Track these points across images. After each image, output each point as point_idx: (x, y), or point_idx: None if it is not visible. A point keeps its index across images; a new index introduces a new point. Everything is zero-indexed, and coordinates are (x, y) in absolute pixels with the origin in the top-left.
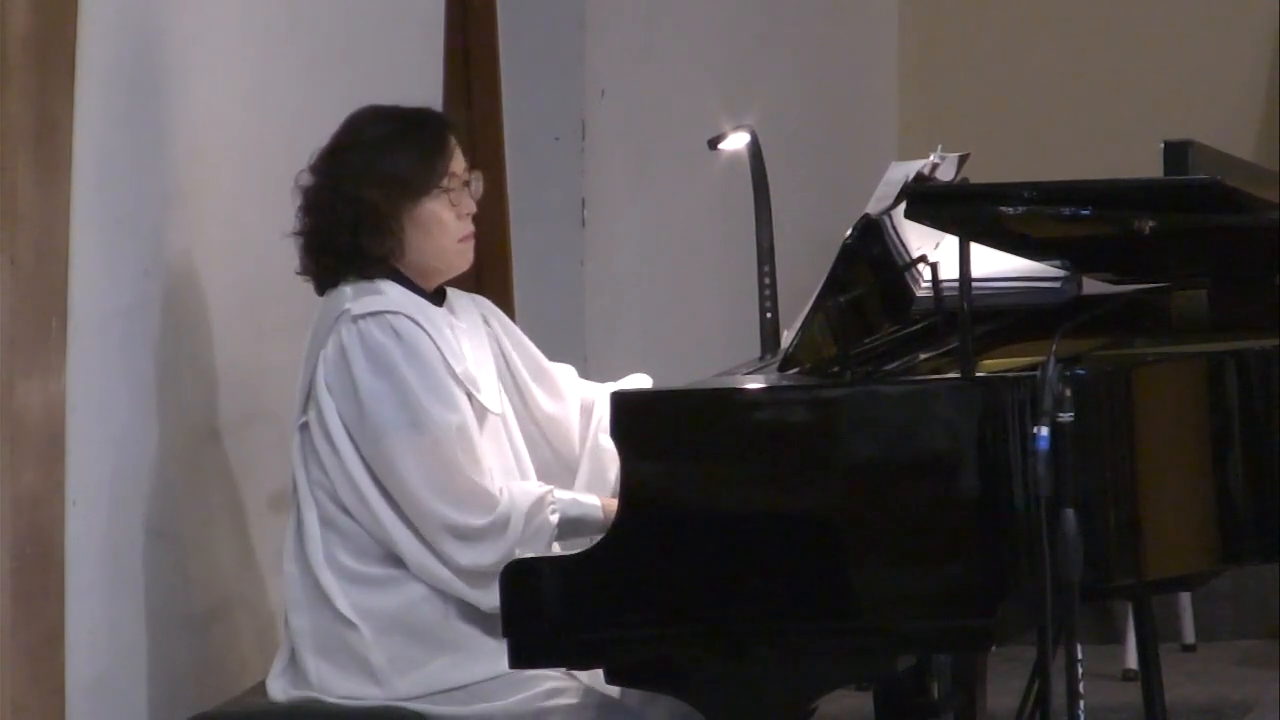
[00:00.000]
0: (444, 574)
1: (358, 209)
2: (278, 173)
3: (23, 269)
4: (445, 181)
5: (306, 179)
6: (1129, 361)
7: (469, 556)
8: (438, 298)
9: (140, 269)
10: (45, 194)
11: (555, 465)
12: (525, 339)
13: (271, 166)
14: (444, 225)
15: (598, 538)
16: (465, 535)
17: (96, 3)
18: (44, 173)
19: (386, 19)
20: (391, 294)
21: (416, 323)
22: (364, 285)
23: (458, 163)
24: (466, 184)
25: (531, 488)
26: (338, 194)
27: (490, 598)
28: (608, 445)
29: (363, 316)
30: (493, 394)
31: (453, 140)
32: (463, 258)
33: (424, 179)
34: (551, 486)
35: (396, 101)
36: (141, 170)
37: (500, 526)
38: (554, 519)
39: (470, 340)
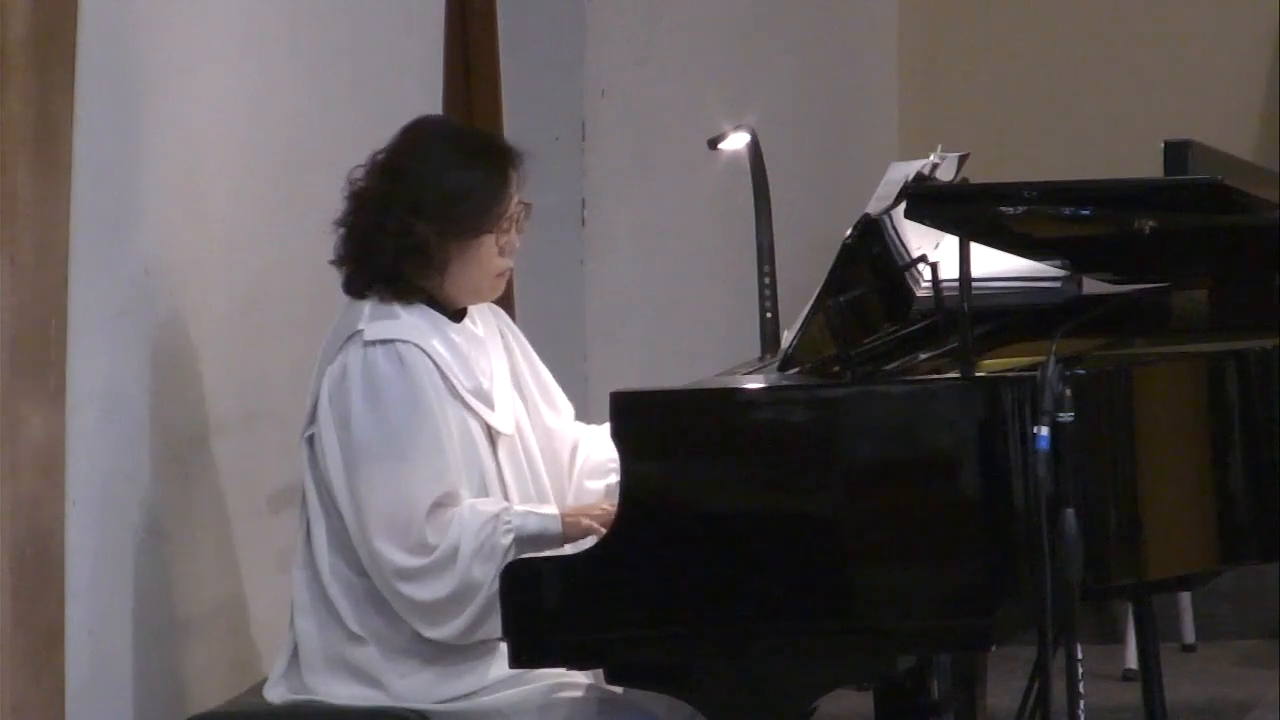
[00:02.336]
0: (407, 616)
1: (406, 239)
2: (278, 173)
3: (23, 269)
4: (499, 223)
5: (360, 178)
6: (1129, 361)
7: (424, 593)
8: (458, 313)
9: (140, 269)
10: (45, 194)
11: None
12: (535, 355)
13: (271, 167)
14: (486, 263)
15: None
16: (412, 576)
17: (96, 3)
18: (44, 173)
19: (386, 19)
20: (407, 319)
21: (425, 352)
22: (384, 308)
23: (514, 202)
24: (515, 219)
25: (486, 507)
26: (389, 215)
27: (443, 630)
28: (593, 487)
29: (372, 343)
30: (506, 414)
31: (514, 179)
32: (494, 291)
33: (479, 222)
34: (508, 504)
35: (396, 101)
36: (141, 170)
37: (447, 559)
38: (506, 540)
39: (488, 353)
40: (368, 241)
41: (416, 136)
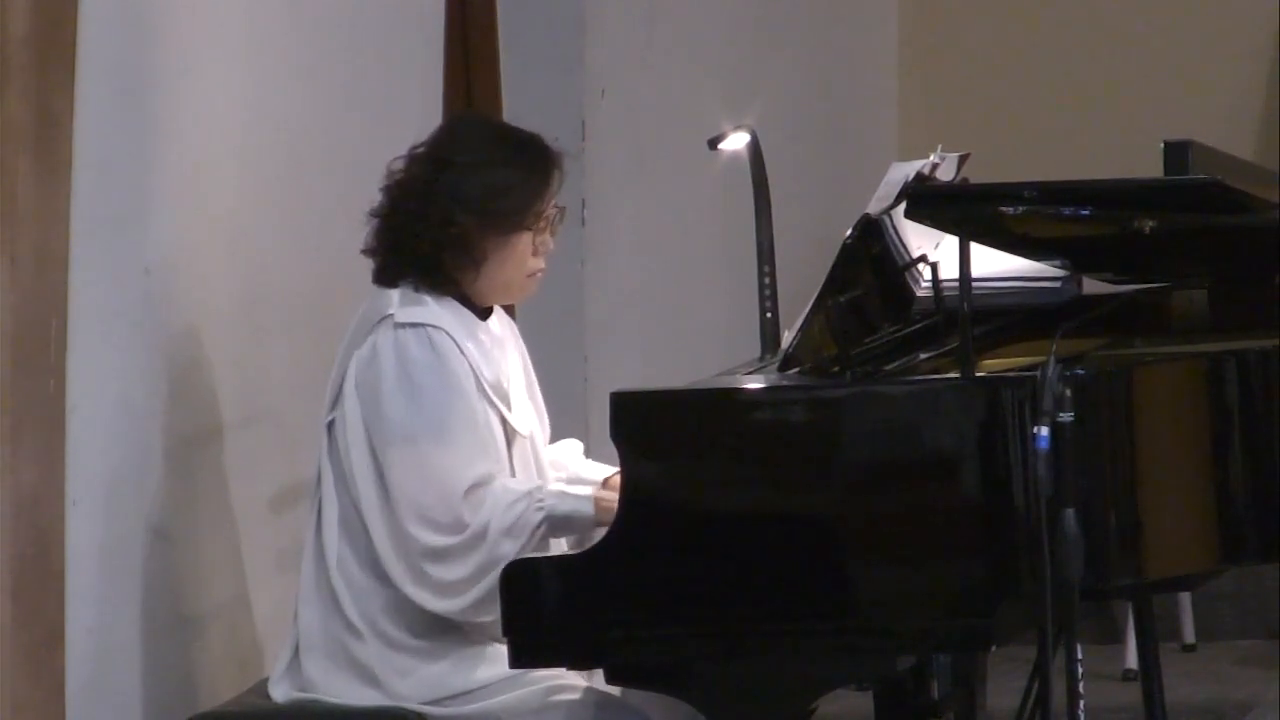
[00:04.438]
0: (422, 598)
1: (448, 230)
2: (278, 172)
3: (23, 269)
4: (538, 221)
5: (399, 168)
6: (1129, 361)
7: (449, 573)
8: (484, 311)
9: (140, 269)
10: (45, 194)
11: None
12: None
13: (271, 166)
14: (520, 260)
15: (598, 537)
16: (441, 556)
17: (96, 3)
18: (44, 173)
19: (386, 19)
20: (435, 308)
21: (454, 340)
22: (413, 295)
23: (553, 202)
24: (552, 221)
25: (517, 484)
26: (431, 206)
27: (452, 603)
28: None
29: (403, 326)
30: (523, 414)
31: (556, 179)
32: (524, 292)
33: (519, 217)
34: (540, 483)
35: (396, 101)
36: (141, 170)
37: (477, 537)
38: (536, 518)
39: (507, 357)
40: (406, 231)
41: (461, 130)
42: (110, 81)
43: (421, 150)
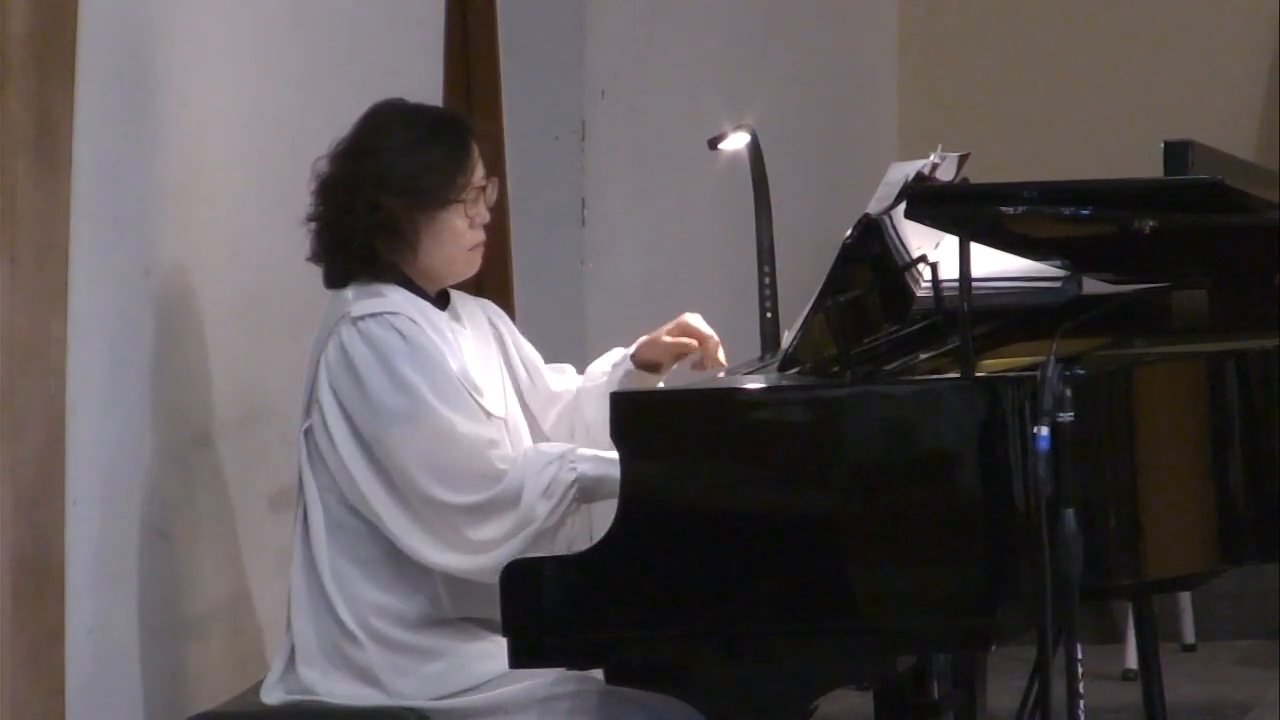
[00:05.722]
0: (453, 561)
1: (375, 215)
2: (278, 172)
3: (23, 269)
4: (464, 194)
5: (324, 168)
6: (1129, 361)
7: (488, 532)
8: (441, 301)
9: (140, 269)
10: (45, 194)
11: None
12: (523, 339)
13: (271, 166)
14: (457, 235)
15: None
16: (476, 512)
17: (96, 3)
18: (44, 173)
19: (386, 19)
20: (393, 297)
21: (415, 323)
22: (367, 289)
23: (477, 173)
24: (483, 190)
25: (549, 447)
26: (357, 196)
27: (483, 560)
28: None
29: (362, 318)
30: (496, 398)
31: (475, 150)
32: (470, 265)
33: (444, 192)
34: (572, 446)
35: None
36: (141, 170)
37: (512, 497)
38: (570, 477)
39: (475, 344)
40: (339, 227)
41: (374, 120)
42: (110, 81)
43: (342, 147)
